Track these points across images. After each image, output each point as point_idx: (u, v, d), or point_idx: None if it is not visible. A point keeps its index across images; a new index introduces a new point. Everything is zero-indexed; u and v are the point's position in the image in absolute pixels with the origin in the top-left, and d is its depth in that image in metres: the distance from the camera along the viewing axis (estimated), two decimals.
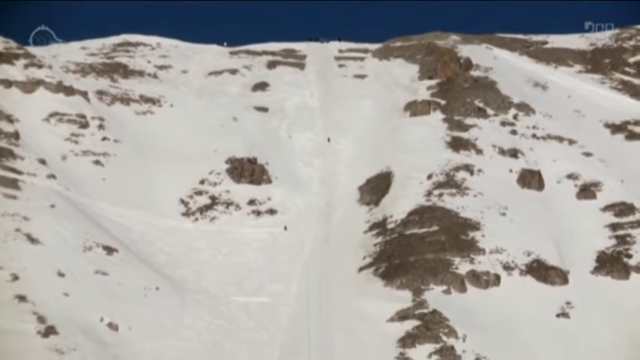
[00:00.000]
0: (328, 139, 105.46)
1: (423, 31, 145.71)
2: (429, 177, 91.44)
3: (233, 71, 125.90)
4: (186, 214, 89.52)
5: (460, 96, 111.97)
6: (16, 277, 61.41)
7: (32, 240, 67.38)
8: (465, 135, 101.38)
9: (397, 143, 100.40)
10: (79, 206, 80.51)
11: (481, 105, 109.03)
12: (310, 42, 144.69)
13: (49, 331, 56.39)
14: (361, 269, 79.81)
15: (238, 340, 66.06)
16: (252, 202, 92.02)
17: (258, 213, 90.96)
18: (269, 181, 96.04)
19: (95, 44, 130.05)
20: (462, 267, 76.41)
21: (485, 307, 71.37)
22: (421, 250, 79.25)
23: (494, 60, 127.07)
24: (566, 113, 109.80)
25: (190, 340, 64.09)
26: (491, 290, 74.48)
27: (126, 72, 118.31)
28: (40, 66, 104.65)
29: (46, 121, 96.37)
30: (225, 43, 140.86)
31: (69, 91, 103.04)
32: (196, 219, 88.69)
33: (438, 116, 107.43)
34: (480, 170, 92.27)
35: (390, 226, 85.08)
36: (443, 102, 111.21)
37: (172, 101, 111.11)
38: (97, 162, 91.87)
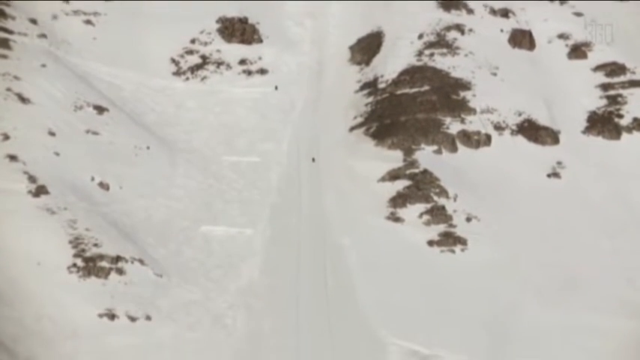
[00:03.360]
0: None
1: None
2: (420, 37, 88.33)
3: None
4: (177, 73, 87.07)
5: None
6: (6, 137, 59.10)
7: (23, 99, 64.76)
8: None
9: (388, 3, 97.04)
10: (70, 66, 77.73)
11: None
12: None
13: (40, 191, 54.48)
14: (352, 129, 78.10)
15: (229, 200, 64.67)
16: (243, 62, 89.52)
17: (249, 72, 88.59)
18: (260, 41, 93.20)
19: None
20: (453, 127, 74.69)
21: (476, 167, 70.12)
22: (412, 110, 77.31)
23: None
24: None
25: (181, 200, 62.59)
26: (482, 150, 73.17)
27: None
28: None
29: None
30: None
31: None
32: (187, 78, 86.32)
33: None
34: (470, 30, 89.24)
35: (381, 85, 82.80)
36: None
37: None
38: (88, 22, 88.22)
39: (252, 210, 63.58)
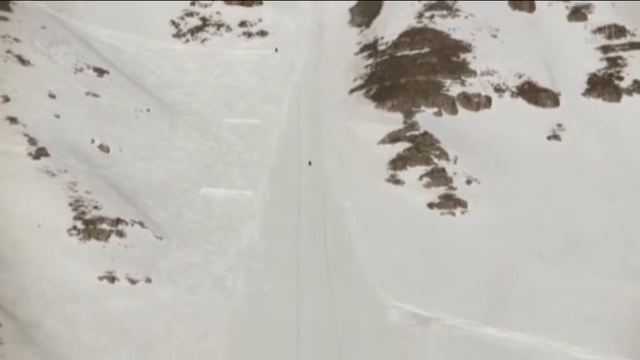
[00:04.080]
0: None
1: None
2: None
3: None
4: (177, 35, 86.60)
5: None
6: (7, 99, 58.29)
7: (23, 62, 63.89)
8: None
9: None
10: (70, 28, 76.84)
11: None
12: None
13: (40, 153, 53.72)
14: (352, 91, 77.53)
15: (229, 162, 64.19)
16: (243, 24, 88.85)
17: (249, 34, 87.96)
18: (260, 3, 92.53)
19: None
20: (453, 89, 74.16)
21: (476, 129, 69.55)
22: (412, 72, 76.63)
23: None
24: None
25: (181, 162, 62.04)
26: (482, 112, 72.64)
27: None
28: None
29: None
30: None
31: None
32: (187, 40, 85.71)
33: None
34: None
35: (381, 47, 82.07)
36: None
37: None
38: None
39: (253, 172, 63.06)
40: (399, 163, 64.71)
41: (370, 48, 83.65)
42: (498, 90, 74.70)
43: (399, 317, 47.69)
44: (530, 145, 67.68)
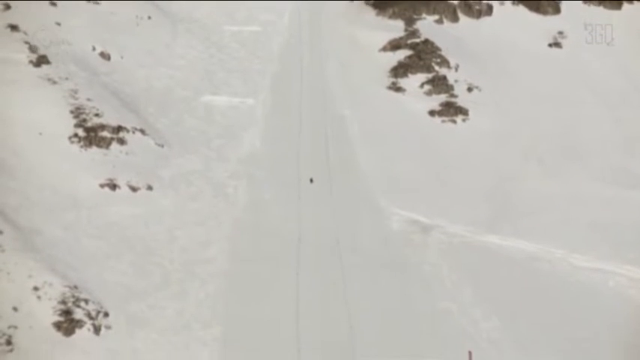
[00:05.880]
0: None
1: None
2: None
3: None
4: None
5: None
6: (7, 7, 56.68)
7: None
8: None
9: None
10: None
11: None
12: None
13: (41, 61, 52.01)
14: None
15: (230, 69, 62.56)
16: None
17: None
18: None
19: None
20: None
21: (477, 36, 68.28)
22: None
23: None
24: None
25: (182, 69, 60.44)
26: (483, 20, 71.40)
27: None
28: None
29: None
30: None
31: None
32: None
33: None
34: None
35: None
36: None
37: None
38: None
39: (254, 79, 61.48)
40: (400, 70, 63.25)
41: None
42: None
43: (400, 224, 46.51)
44: (532, 53, 66.53)
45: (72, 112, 48.87)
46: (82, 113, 48.95)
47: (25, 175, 43.44)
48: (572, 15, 71.80)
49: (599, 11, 72.85)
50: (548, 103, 60.55)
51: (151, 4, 68.03)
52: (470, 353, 33.79)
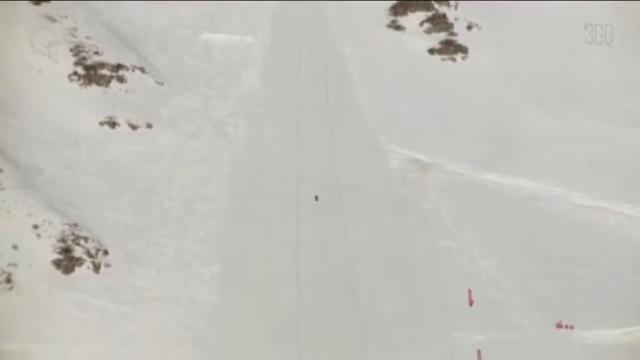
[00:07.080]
0: None
1: None
2: None
3: None
4: None
5: None
6: None
7: None
8: None
9: None
10: None
11: None
12: None
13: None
14: None
15: (230, 8, 60.28)
16: None
17: None
18: None
19: None
20: None
21: None
22: None
23: None
24: None
25: (182, 8, 58.46)
26: None
27: None
28: None
29: None
30: None
31: None
32: None
33: None
34: None
35: None
36: None
37: None
38: None
39: (253, 18, 59.94)
40: (400, 9, 61.93)
41: None
42: None
43: (400, 162, 45.81)
44: None
45: (71, 50, 47.92)
46: (81, 51, 48.00)
47: (25, 113, 42.74)
48: None
49: None
50: (547, 43, 59.32)
51: None
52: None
